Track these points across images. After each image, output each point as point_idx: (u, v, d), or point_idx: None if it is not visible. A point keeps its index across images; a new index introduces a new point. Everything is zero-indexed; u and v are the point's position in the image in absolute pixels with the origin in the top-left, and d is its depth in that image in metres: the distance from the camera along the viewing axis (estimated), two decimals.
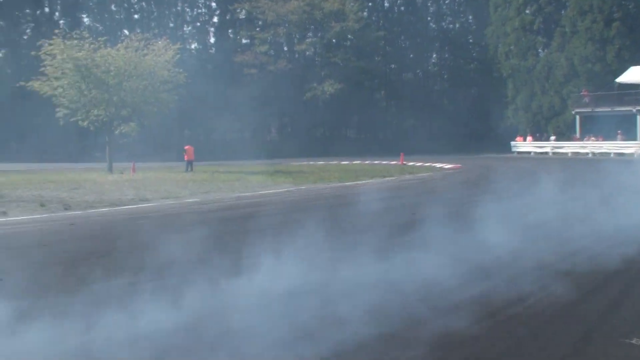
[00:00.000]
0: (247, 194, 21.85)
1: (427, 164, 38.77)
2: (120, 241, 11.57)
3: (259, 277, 7.77)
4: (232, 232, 12.78)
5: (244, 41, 66.88)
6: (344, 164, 41.49)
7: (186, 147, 35.69)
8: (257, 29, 64.61)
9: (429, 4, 73.25)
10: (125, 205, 17.96)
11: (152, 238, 10.24)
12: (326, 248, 9.62)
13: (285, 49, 68.15)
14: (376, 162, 43.00)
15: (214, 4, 66.80)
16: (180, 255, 8.83)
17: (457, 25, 74.11)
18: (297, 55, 66.86)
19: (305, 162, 43.29)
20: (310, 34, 65.81)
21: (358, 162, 43.97)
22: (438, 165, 38.25)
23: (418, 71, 74.02)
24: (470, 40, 73.42)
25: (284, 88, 59.18)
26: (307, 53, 67.14)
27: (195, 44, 65.02)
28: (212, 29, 67.09)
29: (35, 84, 33.56)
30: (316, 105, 62.37)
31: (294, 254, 8.53)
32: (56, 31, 34.66)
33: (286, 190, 23.32)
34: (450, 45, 72.65)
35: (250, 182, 26.16)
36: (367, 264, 8.67)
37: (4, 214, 15.57)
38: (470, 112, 63.25)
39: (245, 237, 10.61)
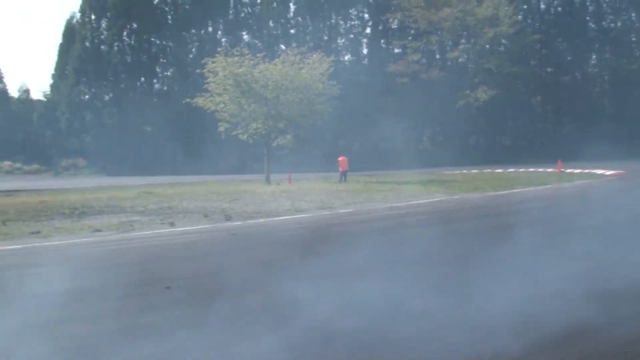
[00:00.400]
0: (400, 204, 21.85)
1: (586, 171, 36.87)
2: (281, 249, 12.02)
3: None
4: (392, 241, 12.86)
5: (396, 51, 67.12)
6: (498, 172, 40.40)
7: (340, 158, 36.24)
8: (410, 38, 64.59)
9: (588, 4, 69.75)
10: (281, 215, 18.56)
11: (309, 246, 10.57)
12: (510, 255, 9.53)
13: (438, 57, 67.70)
14: (532, 169, 41.52)
15: (366, 16, 67.76)
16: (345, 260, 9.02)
17: (619, 24, 70.01)
18: (449, 63, 66.12)
19: (458, 171, 42.65)
20: (463, 41, 64.84)
21: (513, 170, 42.63)
22: (599, 171, 36.26)
23: (576, 74, 70.60)
24: (633, 39, 69.07)
25: (436, 96, 58.78)
26: (460, 60, 66.18)
27: (349, 56, 66.17)
28: (365, 40, 68.11)
29: (199, 100, 35.63)
30: (469, 112, 61.34)
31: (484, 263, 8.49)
32: (219, 49, 36.63)
33: (439, 199, 23.10)
34: (612, 45, 68.71)
35: (403, 192, 26.13)
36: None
37: (172, 224, 16.63)
38: (634, 114, 59.49)
39: (413, 246, 10.69)
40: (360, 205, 21.44)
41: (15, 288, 9.13)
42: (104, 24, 64.09)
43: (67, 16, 66.38)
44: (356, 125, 57.84)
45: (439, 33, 63.26)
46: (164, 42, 64.86)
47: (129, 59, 63.87)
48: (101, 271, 10.35)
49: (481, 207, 20.49)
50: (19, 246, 13.29)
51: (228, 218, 17.92)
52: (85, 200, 25.02)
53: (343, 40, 66.40)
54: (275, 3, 63.82)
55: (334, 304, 7.31)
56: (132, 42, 64.10)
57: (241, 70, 33.96)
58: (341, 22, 66.14)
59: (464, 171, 42.59)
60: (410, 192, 26.14)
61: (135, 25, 63.24)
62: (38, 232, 15.22)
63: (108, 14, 63.23)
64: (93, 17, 63.84)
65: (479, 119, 62.06)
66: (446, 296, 7.59)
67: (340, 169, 35.35)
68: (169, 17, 64.38)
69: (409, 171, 41.27)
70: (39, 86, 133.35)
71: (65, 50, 64.41)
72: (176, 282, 9.05)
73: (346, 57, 65.75)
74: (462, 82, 61.47)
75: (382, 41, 68.00)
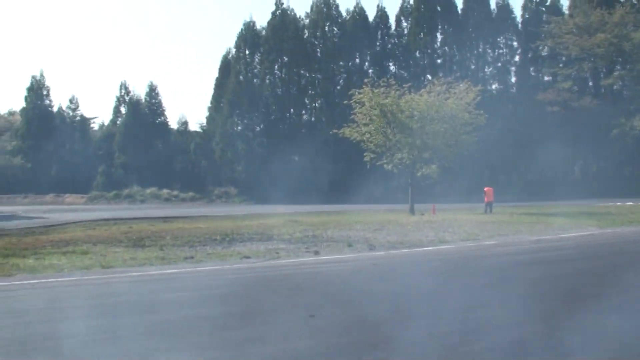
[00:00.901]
0: (548, 237, 21.11)
1: None
2: (424, 280, 11.98)
3: None
4: (538, 277, 12.49)
5: (546, 78, 65.29)
6: None
7: (486, 189, 35.52)
8: (560, 65, 62.53)
9: None
10: (425, 246, 18.48)
11: (451, 278, 10.41)
12: None
13: (590, 84, 65.01)
14: None
15: (515, 44, 66.36)
16: None
17: None
18: (603, 90, 63.22)
19: (611, 203, 40.49)
20: (618, 67, 61.88)
21: None
22: None
23: None
24: None
25: (588, 125, 56.26)
26: (615, 87, 63.14)
27: (496, 85, 64.92)
28: (514, 68, 66.69)
29: (345, 131, 36.32)
30: (624, 142, 57.90)
31: None
32: (365, 80, 37.21)
33: (590, 233, 22.10)
34: None
35: (551, 225, 25.21)
36: None
37: (317, 253, 17.02)
38: None
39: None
40: (505, 237, 20.95)
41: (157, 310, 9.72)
42: (257, 59, 67.03)
43: (224, 52, 69.81)
44: (503, 155, 56.50)
45: (592, 59, 60.75)
46: (313, 75, 66.73)
47: (279, 91, 66.24)
48: (251, 295, 10.78)
49: (637, 242, 19.40)
50: (174, 270, 14.12)
51: (371, 248, 18.07)
52: (235, 227, 26.07)
53: (490, 68, 65.30)
54: (422, 34, 63.99)
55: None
56: (283, 75, 66.50)
57: (387, 100, 34.27)
58: (489, 51, 65.14)
59: (618, 203, 40.44)
60: (560, 224, 25.17)
61: (285, 59, 65.57)
62: (192, 258, 16.07)
63: (261, 49, 66.10)
64: (247, 52, 66.94)
65: (634, 149, 58.54)
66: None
67: (486, 200, 34.68)
68: (318, 50, 66.24)
69: (559, 203, 39.70)
70: (197, 118, 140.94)
71: (220, 84, 67.88)
72: (320, 310, 9.25)
73: (494, 86, 64.60)
74: (617, 110, 58.29)
75: (531, 69, 66.37)
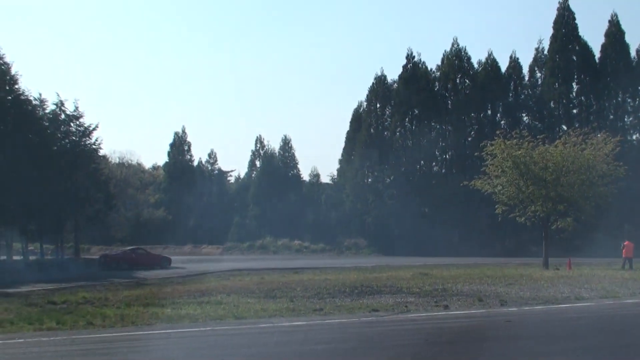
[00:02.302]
0: None
1: None
2: (561, 342, 11.52)
3: None
4: None
5: None
6: None
7: (625, 243, 33.62)
8: None
9: None
10: (560, 303, 17.78)
11: (589, 341, 9.96)
12: None
13: None
14: None
15: None
16: None
17: None
18: None
19: None
20: None
21: None
22: None
23: None
24: None
25: None
26: None
27: (637, 135, 61.63)
28: None
29: (477, 183, 35.87)
30: None
31: None
32: (498, 132, 36.66)
33: None
34: None
35: None
36: None
37: (446, 307, 16.79)
38: None
39: None
40: None
41: None
42: (387, 111, 67.70)
43: (355, 105, 71.08)
44: None
45: None
46: (444, 126, 66.40)
47: (409, 143, 66.36)
48: (371, 351, 10.82)
49: None
50: (303, 322, 14.39)
51: (503, 303, 17.63)
52: (364, 279, 26.21)
53: (631, 118, 62.17)
54: (557, 84, 62.23)
55: None
56: (413, 127, 66.60)
57: (520, 152, 33.58)
58: (629, 100, 62.13)
59: None
60: None
61: (416, 111, 65.74)
62: (321, 310, 16.32)
63: (392, 101, 66.75)
64: (378, 105, 67.81)
65: None
66: None
67: (624, 255, 32.85)
68: (449, 102, 65.94)
69: None
70: (328, 170, 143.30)
71: (351, 137, 69.06)
72: None
73: (634, 137, 61.38)
74: None
75: None
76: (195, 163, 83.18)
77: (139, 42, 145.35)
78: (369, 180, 67.15)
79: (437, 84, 67.09)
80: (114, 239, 69.16)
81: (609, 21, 62.10)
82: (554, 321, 14.84)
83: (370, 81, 70.51)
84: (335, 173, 71.91)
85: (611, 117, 61.47)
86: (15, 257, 46.09)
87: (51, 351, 11.26)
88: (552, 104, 62.92)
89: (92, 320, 14.93)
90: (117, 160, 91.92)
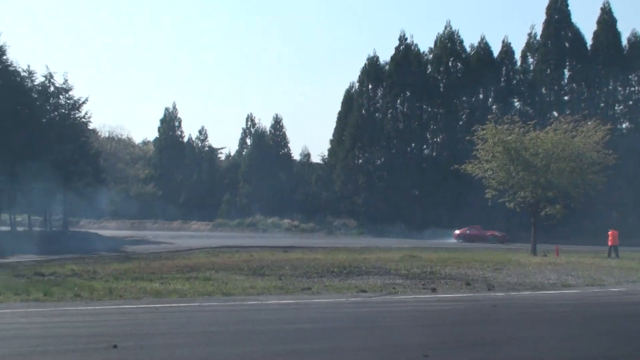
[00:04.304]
0: None
1: None
2: (546, 328, 11.59)
3: None
4: None
5: None
6: None
7: (610, 232, 33.87)
8: None
9: None
10: (546, 289, 17.91)
11: (576, 326, 10.03)
12: None
13: None
14: None
15: None
16: None
17: None
18: None
19: None
20: None
21: None
22: None
23: None
24: None
25: None
26: None
27: (627, 123, 61.73)
28: None
29: (467, 167, 35.90)
30: None
31: None
32: (489, 116, 36.69)
33: None
34: None
35: None
36: None
37: (434, 290, 16.89)
38: None
39: None
40: (634, 284, 19.92)
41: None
42: (379, 93, 67.44)
43: (347, 86, 70.74)
44: (633, 196, 53.79)
45: None
46: (435, 110, 66.28)
47: (401, 125, 66.16)
48: (359, 332, 10.86)
49: None
50: (291, 300, 14.43)
51: (490, 288, 17.75)
52: (353, 260, 26.30)
53: (621, 107, 62.25)
54: (549, 70, 62.17)
55: None
56: (405, 109, 66.45)
57: (511, 137, 33.63)
58: (620, 88, 62.22)
59: None
60: None
61: (408, 94, 65.54)
62: (309, 289, 16.37)
63: (384, 83, 66.48)
64: (370, 86, 67.54)
65: None
66: None
67: (610, 243, 33.11)
68: (441, 85, 65.74)
69: None
70: (319, 151, 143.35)
71: (343, 117, 68.82)
72: (434, 351, 9.17)
73: (624, 125, 61.48)
74: None
75: None
76: (186, 139, 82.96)
77: (132, 16, 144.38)
78: (360, 161, 67.04)
79: (429, 66, 66.80)
80: (104, 213, 69.12)
81: (601, 8, 62.18)
82: (540, 307, 14.94)
83: (362, 62, 70.11)
84: (326, 153, 71.82)
85: (602, 104, 61.58)
86: (3, 228, 45.98)
87: (37, 322, 11.24)
88: (543, 90, 62.87)
89: (80, 292, 14.92)
90: (106, 135, 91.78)
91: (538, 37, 63.72)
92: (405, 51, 65.53)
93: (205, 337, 9.90)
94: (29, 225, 49.34)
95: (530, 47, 64.70)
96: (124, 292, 15.08)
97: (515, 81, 65.18)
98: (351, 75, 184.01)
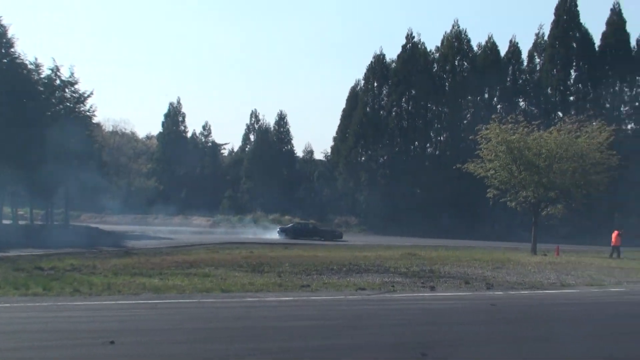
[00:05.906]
0: None
1: None
2: (544, 327, 11.57)
3: None
4: None
5: None
6: None
7: (614, 233, 33.86)
8: None
9: None
10: (545, 289, 17.87)
11: (576, 327, 9.98)
12: None
13: None
14: None
15: None
16: None
17: None
18: None
19: None
20: None
21: None
22: None
23: None
24: None
25: None
26: None
27: (632, 125, 61.62)
28: None
29: (470, 166, 35.84)
30: None
31: None
32: (493, 116, 36.60)
33: None
34: None
35: None
36: None
37: (432, 288, 16.88)
38: None
39: None
40: (634, 284, 19.87)
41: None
42: (384, 91, 67.44)
43: (352, 83, 70.85)
44: (636, 198, 53.71)
45: None
46: (440, 108, 66.34)
47: (405, 123, 66.26)
48: (357, 330, 10.84)
49: None
50: (289, 298, 14.43)
51: (489, 286, 17.73)
52: (353, 257, 26.30)
53: (627, 108, 62.17)
54: (555, 70, 62.08)
55: None
56: (410, 107, 66.47)
57: (514, 137, 33.58)
58: (626, 89, 62.12)
59: None
60: None
61: (413, 92, 65.60)
62: (308, 286, 16.36)
63: (389, 81, 66.50)
64: (375, 84, 67.56)
65: None
66: None
67: (612, 244, 33.08)
68: (446, 84, 65.72)
69: None
70: (322, 148, 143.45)
71: (347, 114, 68.86)
72: (432, 349, 9.15)
73: (629, 126, 61.38)
74: None
75: None
76: (189, 134, 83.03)
77: (138, 11, 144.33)
78: (363, 159, 67.10)
79: (435, 65, 66.89)
80: (105, 207, 69.13)
81: (611, 9, 62.11)
82: (538, 306, 14.91)
83: (368, 60, 70.18)
84: (329, 150, 71.81)
85: (607, 105, 61.54)
86: (5, 222, 46.02)
87: (36, 317, 11.26)
88: (549, 90, 62.83)
89: (79, 287, 14.94)
90: (110, 129, 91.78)
91: (546, 38, 63.70)
92: (412, 49, 65.59)
93: (203, 334, 9.90)
94: (30, 219, 49.34)
95: (538, 47, 64.72)
96: (122, 288, 15.08)
97: (521, 81, 65.11)
98: (356, 72, 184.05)
